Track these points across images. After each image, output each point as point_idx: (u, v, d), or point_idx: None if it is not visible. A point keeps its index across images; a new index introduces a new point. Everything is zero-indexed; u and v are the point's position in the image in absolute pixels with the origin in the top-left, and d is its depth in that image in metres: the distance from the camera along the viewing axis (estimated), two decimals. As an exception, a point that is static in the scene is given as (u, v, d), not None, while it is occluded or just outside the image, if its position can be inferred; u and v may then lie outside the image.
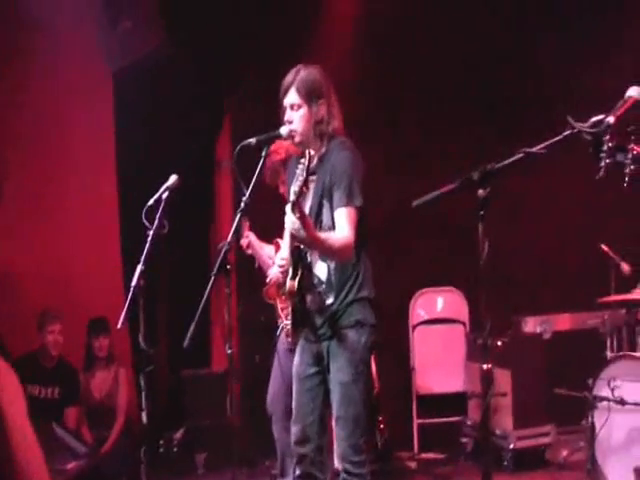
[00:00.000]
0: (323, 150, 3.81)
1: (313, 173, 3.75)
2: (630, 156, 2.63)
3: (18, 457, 1.69)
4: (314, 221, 3.75)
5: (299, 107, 3.81)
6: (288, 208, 3.48)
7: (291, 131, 3.81)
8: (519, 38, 7.20)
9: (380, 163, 6.48)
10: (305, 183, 3.41)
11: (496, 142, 6.85)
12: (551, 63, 7.18)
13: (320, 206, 3.82)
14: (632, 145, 2.65)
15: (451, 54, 7.26)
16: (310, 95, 3.80)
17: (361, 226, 3.76)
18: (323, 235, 3.67)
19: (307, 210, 3.77)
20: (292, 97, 3.81)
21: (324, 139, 3.82)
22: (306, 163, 3.41)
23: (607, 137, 2.61)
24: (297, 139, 3.83)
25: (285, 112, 3.84)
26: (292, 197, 3.45)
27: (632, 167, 2.63)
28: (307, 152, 3.45)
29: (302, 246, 3.75)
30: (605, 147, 2.61)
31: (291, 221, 3.48)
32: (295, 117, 3.81)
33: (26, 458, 1.71)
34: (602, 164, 2.61)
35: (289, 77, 3.84)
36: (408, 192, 6.82)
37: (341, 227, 3.69)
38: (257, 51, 7.17)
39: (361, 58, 7.08)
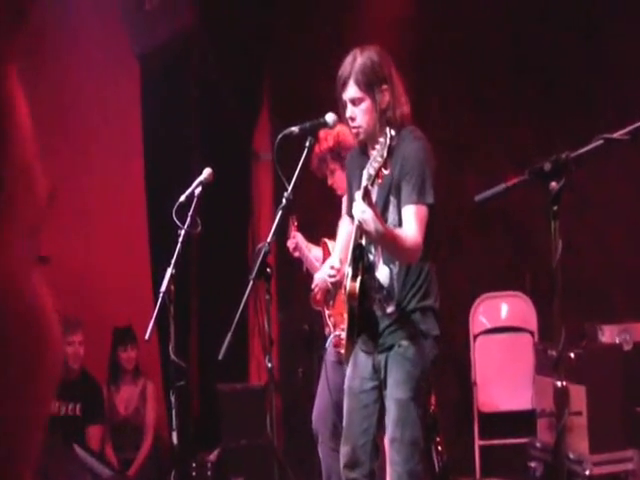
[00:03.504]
0: (394, 142, 3.76)
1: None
2: None
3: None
4: None
5: (361, 101, 3.77)
6: (358, 195, 3.44)
7: (354, 128, 3.79)
8: (585, 18, 7.11)
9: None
10: (385, 164, 3.35)
11: (560, 132, 6.80)
12: (623, 44, 7.07)
13: (386, 203, 3.77)
14: None
15: (510, 34, 7.20)
16: (371, 84, 3.75)
17: (430, 227, 3.72)
18: (396, 230, 3.63)
19: None
20: (352, 91, 3.77)
21: (392, 128, 3.76)
22: (387, 142, 3.36)
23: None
24: (362, 136, 3.80)
25: (345, 107, 3.80)
26: (364, 182, 3.41)
27: None
28: (388, 130, 3.40)
29: (364, 244, 3.71)
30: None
31: (361, 210, 3.41)
32: (358, 113, 3.77)
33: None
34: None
35: (346, 68, 3.78)
36: (465, 185, 6.87)
37: (409, 226, 3.64)
38: (299, 33, 7.17)
39: (410, 37, 7.04)
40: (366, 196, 3.40)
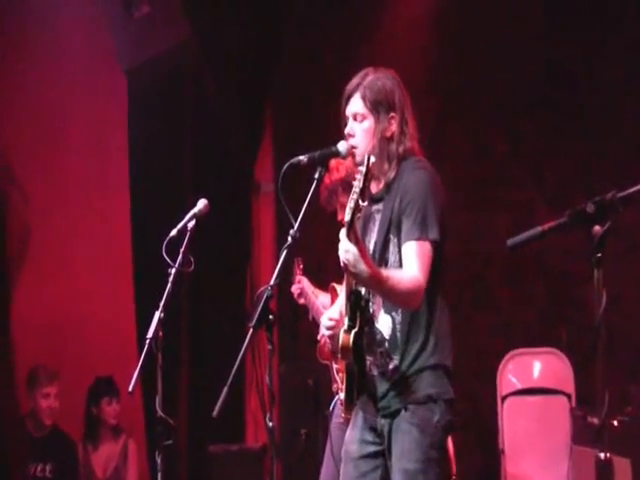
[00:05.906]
0: (392, 174, 3.76)
1: (379, 200, 3.72)
2: None
3: None
4: (378, 261, 3.69)
5: (363, 118, 3.78)
6: (342, 232, 3.42)
7: (352, 147, 3.78)
8: (630, 36, 7.14)
9: (454, 187, 6.43)
10: (361, 195, 3.34)
11: (605, 166, 6.81)
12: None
13: (386, 242, 3.75)
14: None
15: (545, 60, 7.25)
16: (378, 105, 3.77)
17: (437, 267, 3.69)
18: (385, 272, 3.59)
19: (370, 247, 3.72)
20: (356, 105, 3.79)
21: (393, 161, 3.77)
22: (364, 170, 3.35)
23: None
24: (358, 158, 3.78)
25: (347, 123, 3.82)
26: (347, 216, 3.39)
27: None
28: (367, 157, 3.40)
29: (362, 290, 3.69)
30: None
31: (344, 249, 3.40)
32: (357, 130, 3.78)
33: None
34: None
35: (354, 81, 3.81)
36: (495, 225, 6.85)
37: (409, 265, 3.61)
38: (307, 53, 7.21)
39: (433, 61, 7.08)
40: (350, 232, 3.38)
